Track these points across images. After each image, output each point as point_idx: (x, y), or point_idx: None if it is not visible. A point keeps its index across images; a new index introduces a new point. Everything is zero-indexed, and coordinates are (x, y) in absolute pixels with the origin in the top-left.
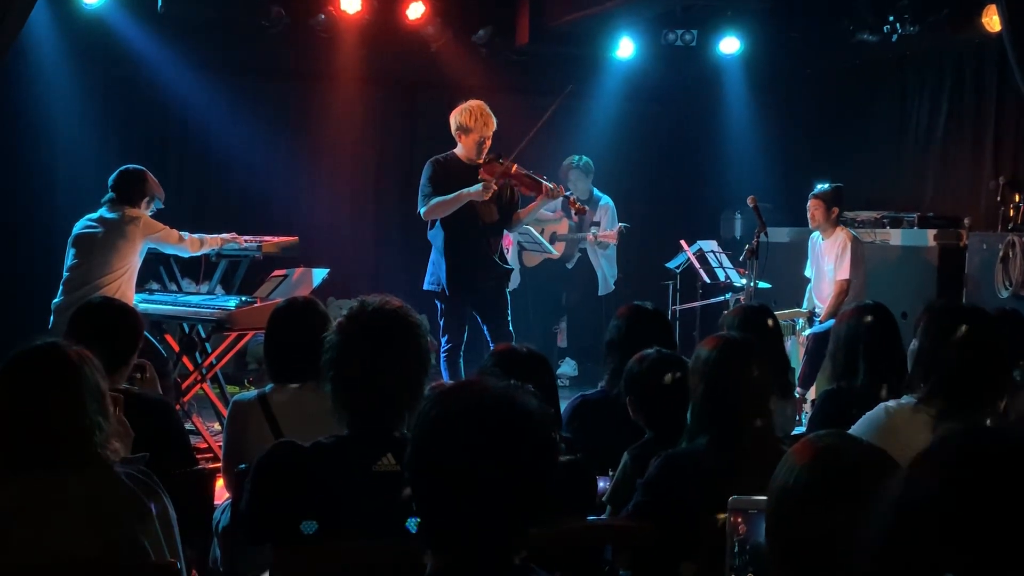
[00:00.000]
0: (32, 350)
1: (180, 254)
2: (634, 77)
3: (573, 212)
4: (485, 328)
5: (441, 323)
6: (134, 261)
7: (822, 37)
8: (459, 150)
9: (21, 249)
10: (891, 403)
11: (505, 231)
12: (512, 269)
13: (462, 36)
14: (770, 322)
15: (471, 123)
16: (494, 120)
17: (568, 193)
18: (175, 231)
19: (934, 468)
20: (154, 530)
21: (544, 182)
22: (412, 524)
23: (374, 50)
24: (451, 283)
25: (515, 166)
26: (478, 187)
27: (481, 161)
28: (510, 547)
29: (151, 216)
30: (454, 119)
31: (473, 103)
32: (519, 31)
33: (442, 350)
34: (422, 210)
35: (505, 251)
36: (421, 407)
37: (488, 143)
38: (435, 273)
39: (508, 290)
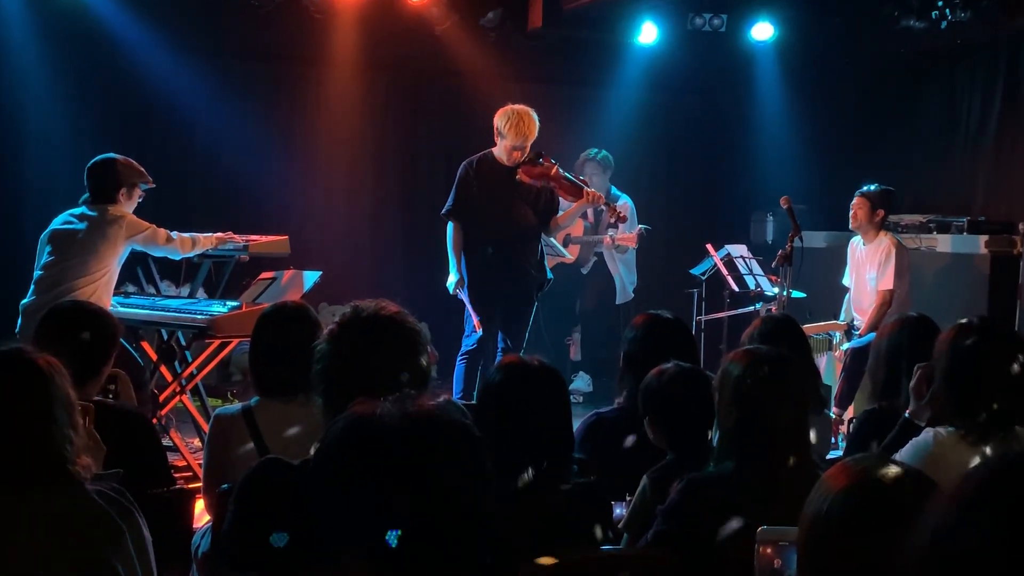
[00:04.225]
0: None
1: (170, 256)
2: (657, 65)
3: (614, 220)
4: (500, 336)
5: (466, 325)
6: (114, 265)
7: (864, 23)
8: (497, 150)
9: None
10: (940, 429)
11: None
12: (551, 279)
13: (469, 19)
14: (796, 333)
15: (507, 130)
16: (536, 130)
17: (609, 201)
18: (163, 230)
19: (972, 497)
20: (128, 554)
21: (585, 187)
22: (392, 537)
23: (373, 33)
24: (476, 285)
25: (556, 168)
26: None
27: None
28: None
29: (140, 202)
30: (495, 119)
31: (518, 108)
32: (531, 14)
33: (461, 353)
34: (443, 212)
35: (546, 259)
36: (323, 436)
37: (524, 153)
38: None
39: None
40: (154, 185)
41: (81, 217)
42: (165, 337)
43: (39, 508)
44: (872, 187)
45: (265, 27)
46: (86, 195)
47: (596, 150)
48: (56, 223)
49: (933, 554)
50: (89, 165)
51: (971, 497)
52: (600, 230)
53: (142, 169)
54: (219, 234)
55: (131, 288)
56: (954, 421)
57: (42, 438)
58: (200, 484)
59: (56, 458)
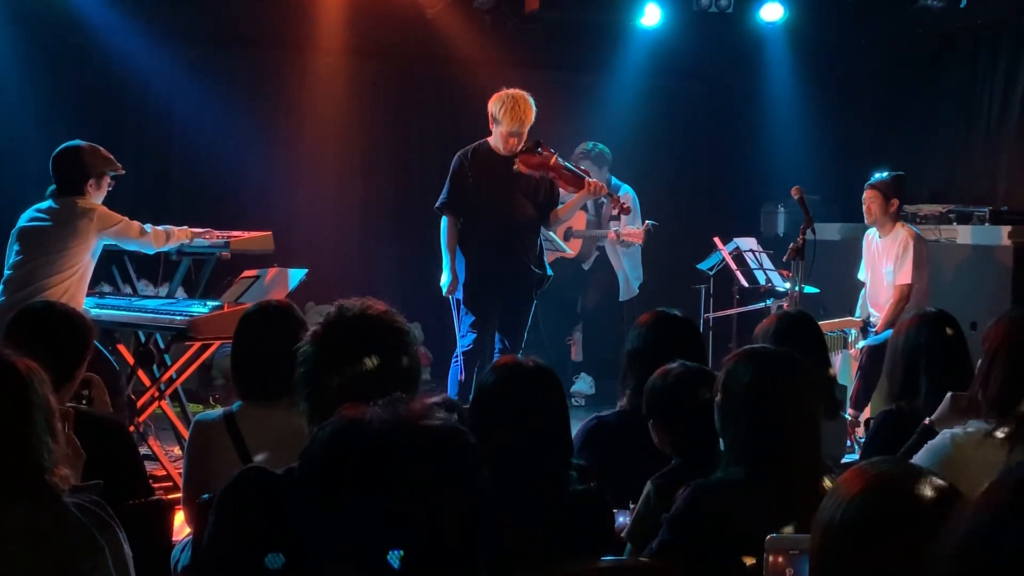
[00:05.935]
0: None
1: (143, 250)
2: (661, 49)
3: (617, 211)
4: (498, 337)
5: (458, 325)
6: (86, 261)
7: (879, 3)
8: (492, 139)
9: None
10: (957, 430)
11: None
12: (551, 276)
13: (462, 1)
14: (811, 331)
15: (502, 115)
16: (532, 115)
17: (611, 192)
18: (136, 223)
19: (1006, 502)
20: (107, 570)
21: (587, 177)
22: (394, 558)
23: (360, 17)
24: (472, 282)
25: (555, 157)
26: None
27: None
28: None
29: (111, 191)
30: (489, 105)
31: (513, 92)
32: None
33: (456, 355)
34: (437, 206)
35: (545, 255)
36: (309, 443)
37: (520, 140)
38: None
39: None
40: (123, 172)
41: (48, 211)
42: (143, 339)
43: (14, 521)
44: (882, 176)
45: (246, 12)
46: (52, 187)
47: (591, 144)
48: (23, 220)
49: (965, 560)
50: (54, 155)
51: (1006, 502)
52: (603, 223)
53: (110, 155)
54: (195, 228)
55: (106, 288)
56: (992, 416)
57: (19, 446)
58: (180, 495)
59: (33, 467)
